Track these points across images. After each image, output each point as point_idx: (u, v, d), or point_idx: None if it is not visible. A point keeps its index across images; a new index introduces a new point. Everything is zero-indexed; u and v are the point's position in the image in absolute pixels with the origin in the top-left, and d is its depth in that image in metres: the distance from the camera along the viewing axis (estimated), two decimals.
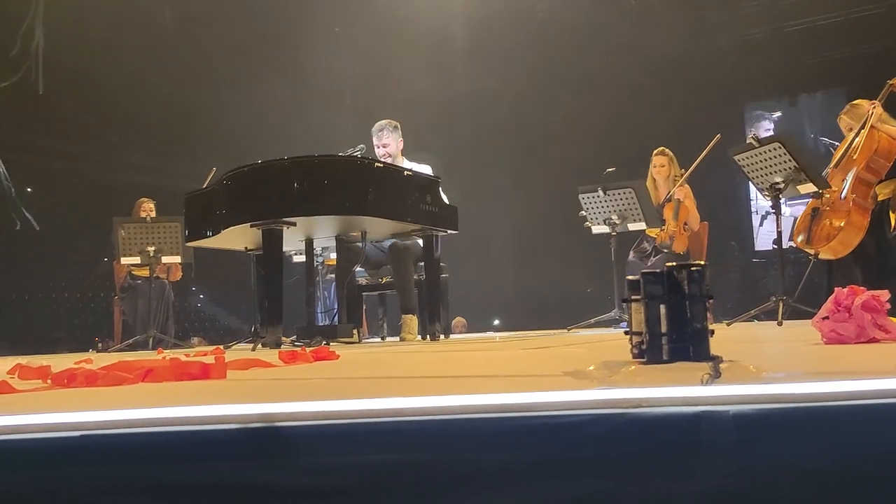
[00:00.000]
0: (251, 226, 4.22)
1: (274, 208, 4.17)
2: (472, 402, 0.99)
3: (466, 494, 0.95)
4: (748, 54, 10.35)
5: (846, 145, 4.73)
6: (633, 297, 1.17)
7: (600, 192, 5.59)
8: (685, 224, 5.85)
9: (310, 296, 4.85)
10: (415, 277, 5.08)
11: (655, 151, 6.12)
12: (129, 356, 3.51)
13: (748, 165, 4.68)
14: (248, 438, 0.94)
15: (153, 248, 5.84)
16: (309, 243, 4.92)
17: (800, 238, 4.53)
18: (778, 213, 4.69)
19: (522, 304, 10.83)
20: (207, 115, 10.54)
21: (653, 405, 0.90)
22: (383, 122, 5.37)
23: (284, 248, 4.54)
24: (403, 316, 4.93)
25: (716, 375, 0.97)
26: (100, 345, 7.20)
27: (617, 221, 5.60)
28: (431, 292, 4.85)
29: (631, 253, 6.03)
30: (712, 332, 1.13)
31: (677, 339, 1.09)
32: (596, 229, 5.75)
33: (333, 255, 5.40)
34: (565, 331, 5.81)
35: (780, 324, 4.18)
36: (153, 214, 6.28)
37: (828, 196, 4.48)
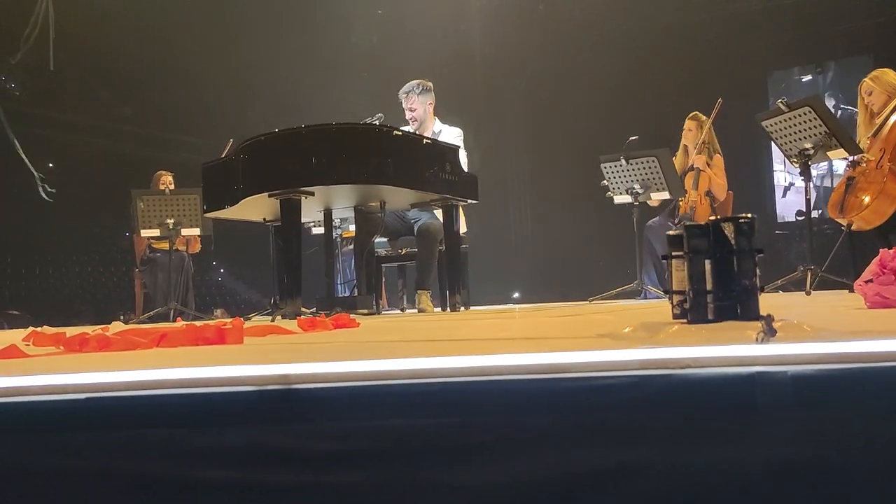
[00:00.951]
0: (269, 196, 4.16)
1: (292, 177, 4.10)
2: (501, 363, 0.92)
3: (497, 460, 0.89)
4: (772, 20, 10.09)
5: (867, 115, 4.57)
6: (674, 254, 1.09)
7: (623, 161, 5.47)
8: (708, 193, 5.73)
9: (329, 267, 4.79)
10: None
11: (689, 116, 5.97)
12: (147, 328, 3.48)
13: (776, 132, 4.54)
14: (264, 401, 0.88)
15: (172, 221, 5.81)
16: (328, 214, 4.86)
17: (836, 209, 4.40)
18: (808, 180, 4.56)
19: (542, 276, 10.76)
20: (223, 87, 10.49)
21: (703, 365, 0.82)
22: (413, 82, 5.22)
23: (303, 220, 4.48)
24: (418, 291, 4.89)
25: (771, 333, 0.89)
26: (122, 316, 7.22)
27: (640, 191, 5.48)
28: (451, 263, 4.79)
29: (657, 218, 5.93)
30: (762, 288, 1.05)
31: (724, 297, 1.01)
32: (618, 199, 5.64)
33: (352, 227, 5.33)
34: (587, 302, 5.73)
35: (808, 293, 4.07)
36: (172, 187, 6.24)
37: (863, 165, 4.34)
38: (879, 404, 0.83)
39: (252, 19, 10.73)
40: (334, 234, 5.29)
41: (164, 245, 6.13)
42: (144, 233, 5.91)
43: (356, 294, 4.71)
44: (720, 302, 1.02)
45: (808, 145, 4.39)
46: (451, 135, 5.15)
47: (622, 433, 0.85)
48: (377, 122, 4.77)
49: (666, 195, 5.58)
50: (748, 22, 10.10)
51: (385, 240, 5.37)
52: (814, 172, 5.06)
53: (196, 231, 5.98)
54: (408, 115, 5.18)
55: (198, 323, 2.29)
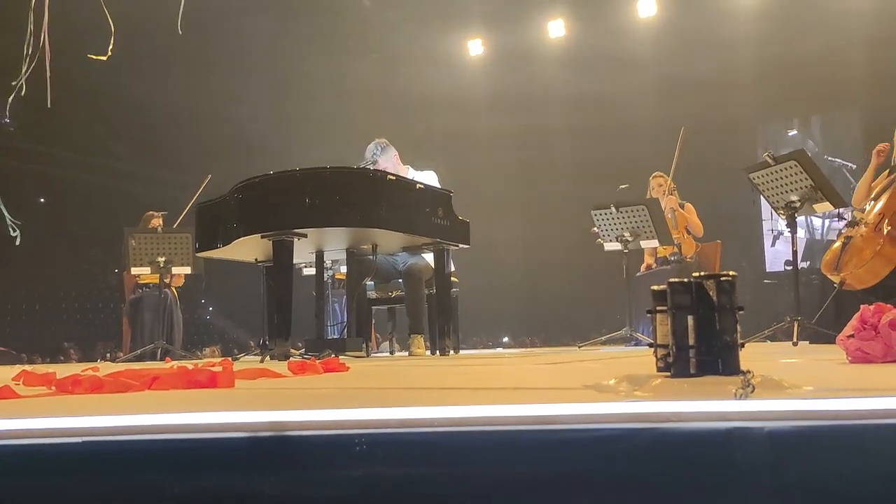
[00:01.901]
0: (262, 237, 4.19)
1: (285, 219, 4.14)
2: (489, 414, 0.94)
3: None
4: (761, 73, 10.31)
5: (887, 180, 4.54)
6: (658, 308, 1.12)
7: (613, 210, 5.55)
8: (687, 229, 5.91)
9: (319, 308, 4.80)
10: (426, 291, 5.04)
11: (652, 176, 6.21)
12: (137, 366, 3.47)
13: (763, 184, 4.62)
14: (256, 447, 0.90)
15: (163, 259, 5.82)
16: (319, 255, 4.89)
17: (830, 267, 4.42)
18: (794, 231, 4.63)
19: (532, 321, 10.77)
20: (217, 127, 10.58)
21: (684, 420, 0.85)
22: (370, 147, 5.23)
23: (295, 261, 4.51)
24: (411, 335, 4.90)
25: (749, 390, 0.92)
26: (108, 354, 7.17)
27: (629, 238, 5.55)
28: (441, 307, 4.81)
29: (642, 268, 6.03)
30: (742, 345, 1.08)
31: (706, 353, 1.04)
32: (608, 246, 5.70)
33: (343, 269, 5.34)
34: (576, 348, 5.75)
35: (795, 344, 4.10)
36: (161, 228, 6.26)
37: (861, 226, 4.38)
38: (855, 463, 0.86)
39: (249, 63, 10.88)
40: (325, 275, 5.31)
41: (154, 279, 6.11)
42: (135, 270, 5.92)
43: (346, 336, 4.72)
44: (702, 357, 1.05)
45: (794, 198, 4.47)
46: (425, 179, 5.20)
47: (604, 485, 0.88)
48: (371, 167, 4.83)
49: (655, 243, 5.65)
50: (738, 75, 10.32)
51: (374, 283, 5.39)
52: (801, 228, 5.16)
53: (187, 269, 5.99)
54: None
55: (189, 364, 2.30)
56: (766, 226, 11.38)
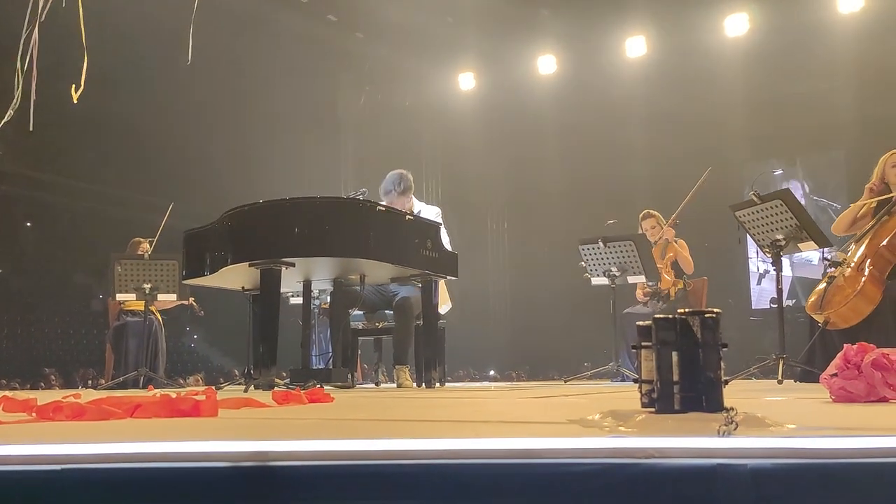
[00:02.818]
0: (250, 265, 4.18)
1: (273, 248, 4.14)
2: (474, 447, 0.94)
3: None
4: (749, 113, 10.46)
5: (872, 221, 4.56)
6: (643, 344, 1.13)
7: (600, 244, 5.57)
8: (670, 264, 5.89)
9: (305, 338, 4.78)
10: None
11: (641, 216, 6.17)
12: (119, 394, 3.44)
13: (749, 222, 4.66)
14: (239, 478, 0.90)
15: (149, 286, 5.77)
16: (307, 285, 4.88)
17: (815, 307, 4.45)
18: (779, 270, 4.65)
19: (519, 354, 10.75)
20: (207, 156, 10.60)
21: (667, 456, 0.85)
22: (394, 178, 5.15)
23: (282, 290, 4.49)
24: (396, 366, 4.88)
25: (732, 427, 0.92)
26: (90, 381, 7.08)
27: (617, 273, 5.57)
28: (429, 339, 4.80)
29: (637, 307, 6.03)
30: (726, 381, 1.09)
31: (690, 389, 1.05)
32: (595, 281, 5.72)
33: (330, 299, 5.33)
34: (562, 382, 5.73)
35: (780, 382, 4.11)
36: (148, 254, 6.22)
37: (844, 267, 4.42)
38: (837, 501, 0.86)
39: (240, 91, 10.94)
40: (312, 305, 5.29)
41: (139, 305, 6.05)
42: (120, 296, 5.86)
43: (332, 367, 4.69)
44: (686, 393, 1.06)
45: (779, 236, 4.50)
46: (430, 213, 5.23)
47: None
48: (361, 197, 4.84)
49: (642, 278, 5.67)
50: (726, 115, 10.46)
51: (362, 313, 5.38)
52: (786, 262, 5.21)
53: (173, 297, 5.94)
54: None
55: (172, 393, 2.28)
56: (751, 264, 11.45)
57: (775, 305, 4.92)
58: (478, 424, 1.42)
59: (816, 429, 1.13)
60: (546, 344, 10.26)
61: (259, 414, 1.80)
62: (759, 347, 9.44)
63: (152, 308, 6.16)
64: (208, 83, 10.39)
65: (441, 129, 11.51)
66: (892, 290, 4.17)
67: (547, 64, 11.40)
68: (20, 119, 3.65)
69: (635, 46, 10.84)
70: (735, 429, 0.93)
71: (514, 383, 7.79)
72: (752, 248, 10.85)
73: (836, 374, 1.85)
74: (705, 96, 10.48)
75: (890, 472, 0.88)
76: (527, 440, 0.93)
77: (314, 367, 4.87)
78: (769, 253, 4.63)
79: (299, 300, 5.20)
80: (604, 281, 5.65)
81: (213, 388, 4.12)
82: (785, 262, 6.92)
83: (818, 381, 2.09)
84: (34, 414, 1.60)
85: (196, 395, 2.42)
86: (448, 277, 4.87)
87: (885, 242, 4.31)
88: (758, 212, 4.57)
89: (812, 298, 4.50)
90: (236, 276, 4.53)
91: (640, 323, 1.17)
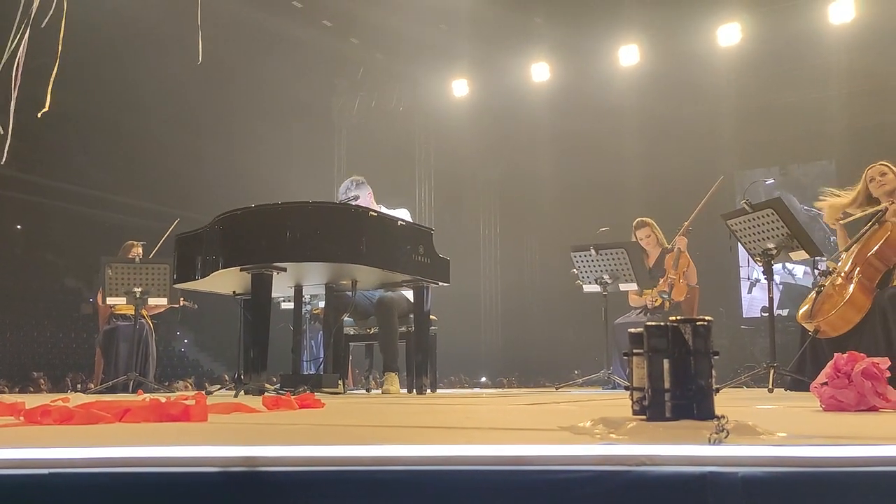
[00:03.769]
0: (241, 269, 4.17)
1: (265, 253, 4.13)
2: (464, 453, 0.94)
3: None
4: (740, 122, 10.52)
5: (866, 226, 4.57)
6: (635, 351, 1.13)
7: (592, 252, 5.58)
8: (684, 273, 5.88)
9: (296, 343, 4.77)
10: (401, 329, 5.02)
11: (636, 224, 6.15)
12: (108, 398, 3.42)
13: (741, 231, 4.67)
14: (228, 483, 0.89)
15: (140, 290, 5.75)
16: (298, 290, 4.87)
17: (805, 317, 4.46)
18: (770, 278, 4.67)
19: (510, 361, 10.75)
20: (200, 160, 10.59)
21: (658, 464, 0.85)
22: (346, 184, 5.23)
23: (273, 294, 4.48)
24: (386, 373, 4.86)
25: (723, 435, 0.92)
26: (79, 385, 7.04)
27: (608, 281, 5.58)
28: (420, 345, 4.79)
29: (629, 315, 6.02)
30: (717, 389, 1.09)
31: (681, 396, 1.05)
32: (587, 288, 5.72)
33: (322, 304, 5.31)
34: (553, 390, 5.73)
35: (770, 391, 4.12)
36: (140, 258, 6.19)
37: (834, 275, 4.43)
38: None
39: (233, 97, 10.93)
40: (304, 310, 5.27)
41: (129, 309, 6.02)
42: (110, 300, 5.83)
43: (322, 372, 4.67)
44: (677, 401, 1.05)
45: (770, 245, 4.52)
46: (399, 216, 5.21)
47: None
48: (352, 203, 4.83)
49: (633, 286, 5.67)
50: (719, 124, 10.52)
51: (353, 319, 5.36)
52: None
53: (163, 301, 5.91)
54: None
55: (161, 397, 2.27)
56: (742, 272, 11.50)
57: (766, 314, 4.93)
58: (469, 431, 1.42)
59: (807, 437, 1.13)
60: (537, 351, 10.26)
61: (249, 419, 1.79)
62: (750, 356, 9.48)
63: (143, 312, 6.13)
64: (202, 87, 10.38)
65: (434, 135, 11.53)
66: (880, 299, 4.19)
67: (540, 71, 11.42)
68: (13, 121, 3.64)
69: (628, 55, 10.88)
70: (726, 437, 0.93)
71: (504, 390, 7.79)
72: (743, 256, 10.91)
73: (826, 383, 1.85)
74: (698, 105, 10.54)
75: (880, 481, 0.88)
76: (518, 447, 0.93)
77: (305, 373, 4.85)
78: (760, 262, 4.64)
79: (290, 305, 5.19)
80: (595, 288, 5.65)
81: (203, 393, 4.11)
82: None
83: (809, 390, 2.09)
84: (22, 418, 1.59)
85: (186, 399, 2.41)
86: (440, 283, 4.87)
87: (873, 251, 4.34)
88: (749, 220, 4.58)
89: (803, 308, 4.52)
90: (227, 281, 4.52)
91: (632, 330, 1.17)
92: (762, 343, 9.75)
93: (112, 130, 10.65)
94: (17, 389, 8.11)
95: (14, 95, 3.52)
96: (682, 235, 5.88)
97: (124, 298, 5.76)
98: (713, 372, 1.09)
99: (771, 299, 4.77)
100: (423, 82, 11.61)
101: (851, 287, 4.28)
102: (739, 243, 4.81)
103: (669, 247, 5.93)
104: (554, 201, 10.80)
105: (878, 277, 4.36)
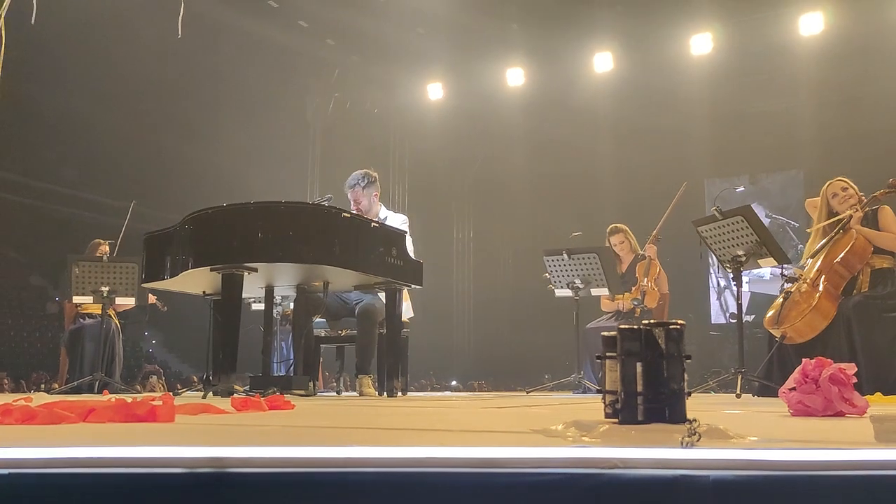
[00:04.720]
0: (211, 269, 4.11)
1: (236, 253, 4.07)
2: (434, 455, 0.93)
3: None
4: (712, 131, 10.65)
5: (823, 236, 4.64)
6: (608, 354, 1.13)
7: (565, 256, 5.60)
8: (655, 280, 5.93)
9: (266, 345, 4.71)
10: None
11: (609, 230, 6.19)
12: (72, 398, 3.36)
13: (711, 237, 4.72)
14: (196, 484, 0.87)
15: (107, 289, 5.65)
16: (269, 291, 4.82)
17: (771, 322, 4.52)
18: (739, 285, 4.73)
19: (481, 365, 10.76)
20: (172, 158, 10.48)
21: (630, 466, 0.85)
22: (357, 174, 5.22)
23: (243, 295, 4.43)
24: (358, 375, 4.84)
25: (695, 438, 0.92)
26: (43, 385, 6.91)
27: (580, 286, 5.61)
28: (392, 348, 4.76)
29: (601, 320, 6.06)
30: (689, 393, 1.09)
31: (653, 400, 1.05)
32: (559, 292, 5.75)
33: (293, 305, 5.27)
34: (524, 393, 5.74)
35: (738, 396, 4.17)
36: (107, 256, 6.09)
37: (802, 283, 4.49)
38: None
39: (207, 95, 10.83)
40: (274, 311, 5.22)
41: (95, 309, 5.92)
42: (77, 299, 5.73)
43: (293, 374, 4.63)
44: (650, 404, 1.06)
45: (740, 252, 4.57)
46: (396, 221, 5.21)
47: None
48: (326, 203, 4.79)
49: (605, 291, 5.71)
50: (691, 131, 10.65)
51: (324, 320, 5.33)
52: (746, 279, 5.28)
53: (131, 301, 5.82)
54: (353, 207, 5.17)
55: (128, 398, 2.23)
56: (711, 279, 11.64)
57: (734, 321, 4.99)
58: (440, 433, 1.41)
59: (777, 441, 1.14)
60: (508, 355, 10.29)
61: (217, 420, 1.77)
62: (718, 361, 9.58)
63: (110, 311, 6.03)
64: (175, 86, 10.27)
65: (409, 138, 11.53)
66: (844, 308, 4.26)
67: (515, 76, 11.47)
68: None
69: (603, 62, 10.96)
70: (698, 440, 0.93)
71: (476, 393, 7.79)
72: (712, 263, 11.05)
73: (794, 389, 1.87)
74: (670, 112, 10.66)
75: (847, 485, 0.89)
76: (489, 449, 0.92)
77: (275, 374, 4.80)
78: (730, 268, 4.70)
79: (261, 306, 5.14)
80: (567, 293, 5.68)
81: (171, 394, 4.06)
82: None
83: (776, 396, 2.11)
84: None
85: (153, 400, 2.37)
86: (412, 286, 4.85)
87: (838, 259, 4.41)
88: (719, 227, 4.64)
89: (770, 313, 4.58)
90: (197, 281, 4.46)
91: (606, 333, 1.17)
92: (731, 349, 9.86)
93: (79, 127, 10.49)
94: None
95: None
96: (650, 244, 5.94)
97: (91, 297, 5.66)
98: (685, 375, 1.09)
99: (739, 305, 4.83)
100: (398, 85, 11.61)
101: (817, 294, 4.35)
102: (710, 250, 4.87)
103: (642, 253, 5.98)
104: (527, 206, 10.85)
105: (843, 284, 4.44)
